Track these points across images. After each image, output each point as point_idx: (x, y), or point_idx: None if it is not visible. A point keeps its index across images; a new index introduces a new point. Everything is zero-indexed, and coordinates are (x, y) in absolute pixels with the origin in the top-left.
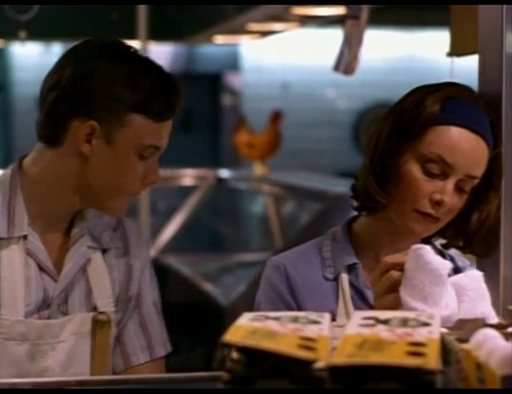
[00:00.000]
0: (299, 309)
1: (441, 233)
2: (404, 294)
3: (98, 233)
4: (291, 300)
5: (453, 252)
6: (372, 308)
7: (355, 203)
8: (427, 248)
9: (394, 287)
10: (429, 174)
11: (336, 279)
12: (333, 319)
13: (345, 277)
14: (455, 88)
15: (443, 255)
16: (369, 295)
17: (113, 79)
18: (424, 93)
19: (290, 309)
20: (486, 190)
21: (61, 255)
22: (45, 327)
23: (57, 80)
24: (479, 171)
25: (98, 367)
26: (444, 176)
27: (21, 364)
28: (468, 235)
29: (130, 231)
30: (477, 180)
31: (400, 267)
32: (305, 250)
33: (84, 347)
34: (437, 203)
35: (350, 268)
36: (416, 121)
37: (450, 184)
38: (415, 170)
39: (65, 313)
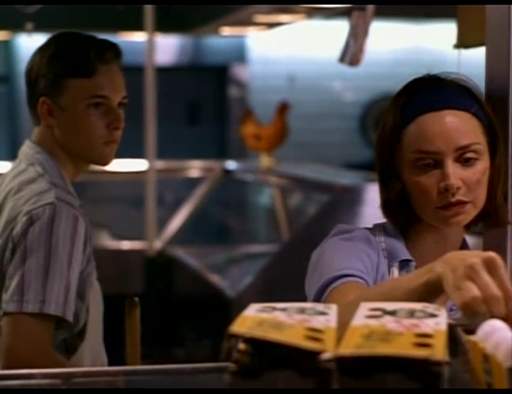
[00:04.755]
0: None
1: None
2: None
3: None
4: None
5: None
6: None
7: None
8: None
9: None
10: (425, 170)
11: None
12: None
13: (395, 273)
14: (409, 86)
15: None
16: None
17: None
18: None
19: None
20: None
21: None
22: None
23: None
24: (468, 138)
25: None
26: (438, 163)
27: None
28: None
29: None
30: (477, 146)
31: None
32: (368, 235)
33: None
34: (446, 190)
35: (403, 264)
36: (387, 143)
37: (447, 167)
38: (412, 176)
39: None
